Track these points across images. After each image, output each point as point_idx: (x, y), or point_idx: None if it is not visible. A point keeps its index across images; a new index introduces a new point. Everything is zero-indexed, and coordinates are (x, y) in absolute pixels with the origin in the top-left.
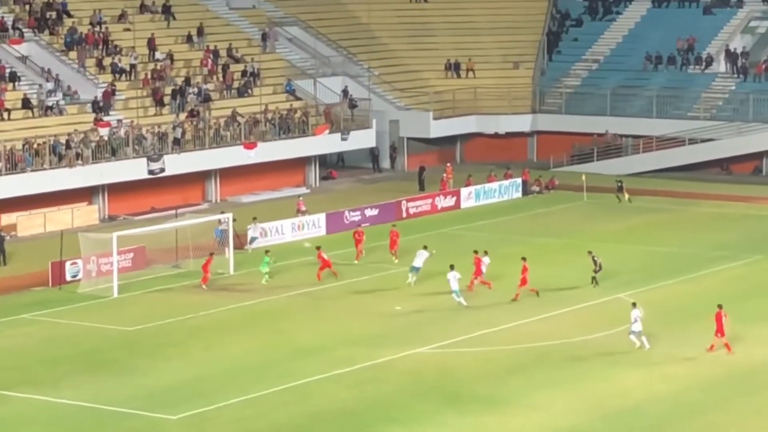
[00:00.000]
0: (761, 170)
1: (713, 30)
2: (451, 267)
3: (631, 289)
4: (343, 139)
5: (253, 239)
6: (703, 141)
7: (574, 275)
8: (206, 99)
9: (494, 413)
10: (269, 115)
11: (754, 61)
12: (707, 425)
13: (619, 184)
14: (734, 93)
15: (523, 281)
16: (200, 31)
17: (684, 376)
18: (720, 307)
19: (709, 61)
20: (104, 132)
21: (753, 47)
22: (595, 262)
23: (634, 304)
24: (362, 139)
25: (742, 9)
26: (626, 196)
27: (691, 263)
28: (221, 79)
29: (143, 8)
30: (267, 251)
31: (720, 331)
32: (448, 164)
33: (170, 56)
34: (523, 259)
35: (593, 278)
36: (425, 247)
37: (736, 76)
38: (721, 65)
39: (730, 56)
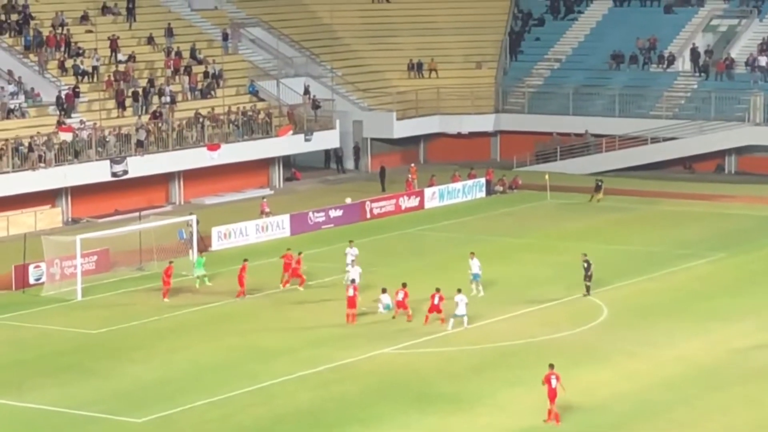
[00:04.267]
0: (723, 168)
1: (675, 29)
2: (458, 290)
3: (595, 288)
4: (306, 140)
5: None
6: (666, 140)
7: (537, 274)
8: (170, 101)
9: (459, 413)
10: (232, 117)
11: (715, 59)
12: (671, 423)
13: (599, 183)
14: (696, 91)
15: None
16: (169, 32)
17: (648, 375)
18: (438, 290)
19: (671, 59)
20: (66, 136)
21: (714, 45)
22: (586, 269)
23: (459, 290)
24: (326, 140)
25: (704, 7)
26: (600, 196)
27: (654, 262)
28: (184, 80)
29: (105, 10)
30: (201, 252)
31: (435, 308)
32: (413, 165)
33: (133, 58)
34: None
35: (587, 287)
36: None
37: (697, 74)
38: (683, 64)
39: (693, 54)
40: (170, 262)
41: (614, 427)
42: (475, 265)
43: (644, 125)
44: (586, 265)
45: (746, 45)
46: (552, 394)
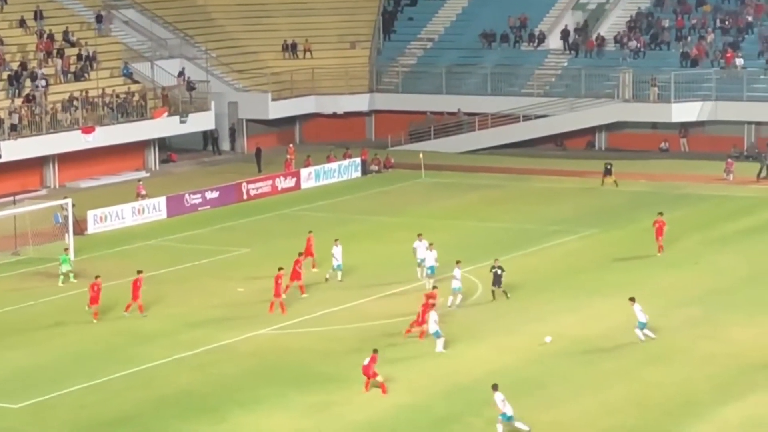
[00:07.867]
0: (594, 145)
1: (545, 7)
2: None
3: (469, 265)
4: (182, 122)
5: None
6: (537, 117)
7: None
8: (44, 84)
9: (338, 392)
10: (107, 99)
11: (585, 37)
12: (547, 399)
13: (608, 166)
14: (566, 69)
15: (135, 296)
16: (39, 15)
17: (523, 351)
18: (280, 268)
19: (542, 38)
20: None
21: (584, 23)
22: (495, 275)
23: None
24: (201, 122)
25: None
26: (612, 178)
27: (527, 238)
28: (57, 63)
29: None
30: (66, 249)
31: (278, 293)
32: (291, 145)
33: (2, 41)
34: (139, 272)
35: (493, 291)
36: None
37: (568, 52)
38: (554, 42)
39: (563, 32)
40: (97, 277)
41: (490, 403)
42: (423, 248)
43: (516, 103)
44: (499, 271)
45: (615, 23)
46: (363, 370)
